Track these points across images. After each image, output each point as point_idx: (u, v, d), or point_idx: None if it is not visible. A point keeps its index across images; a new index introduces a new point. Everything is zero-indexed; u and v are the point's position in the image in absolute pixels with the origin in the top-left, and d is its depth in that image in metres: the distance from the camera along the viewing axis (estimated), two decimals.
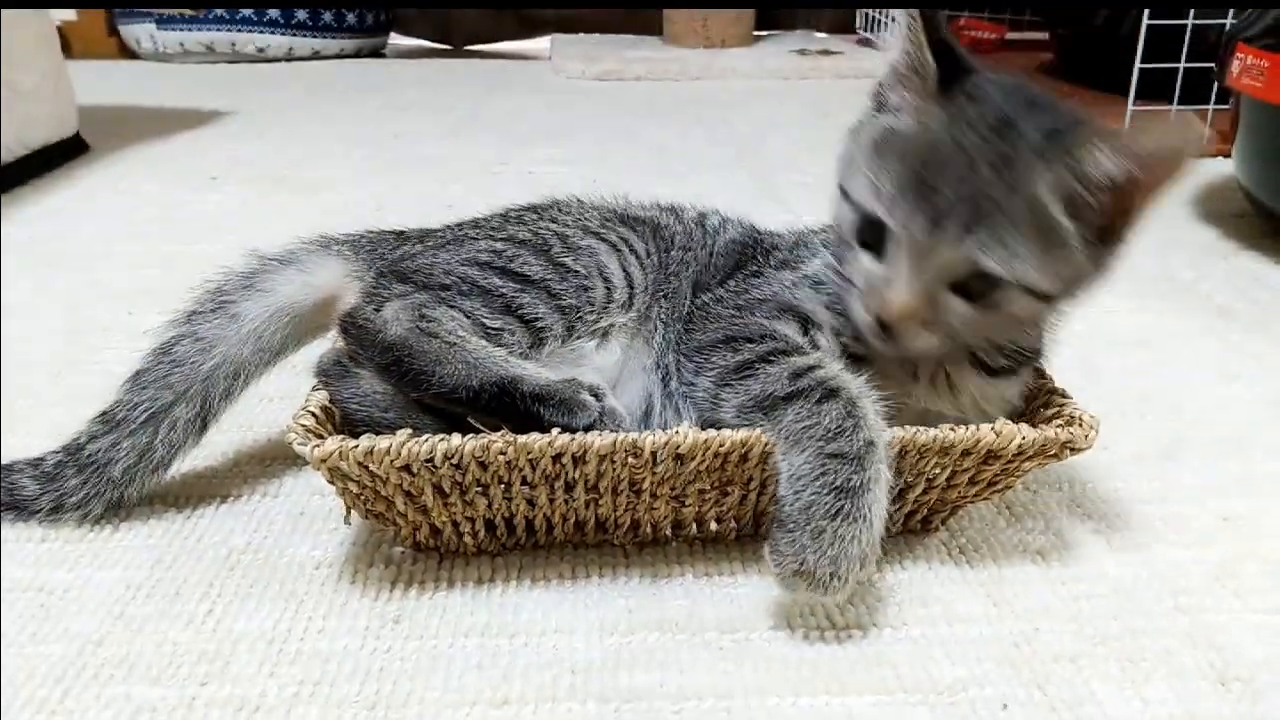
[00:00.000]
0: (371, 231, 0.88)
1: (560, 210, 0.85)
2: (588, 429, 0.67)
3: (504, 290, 0.75)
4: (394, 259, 0.82)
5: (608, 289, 0.77)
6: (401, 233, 0.87)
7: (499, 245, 0.79)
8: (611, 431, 0.66)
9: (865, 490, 0.63)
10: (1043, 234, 0.63)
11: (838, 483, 0.62)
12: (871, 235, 0.67)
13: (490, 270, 0.76)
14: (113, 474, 0.74)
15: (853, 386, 0.67)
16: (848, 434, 0.64)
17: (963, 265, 0.63)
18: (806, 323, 0.74)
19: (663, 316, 0.81)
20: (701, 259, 0.85)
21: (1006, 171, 0.62)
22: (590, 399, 0.68)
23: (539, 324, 0.74)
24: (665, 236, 0.85)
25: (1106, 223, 0.64)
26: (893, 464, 0.66)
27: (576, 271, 0.77)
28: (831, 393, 0.66)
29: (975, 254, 0.62)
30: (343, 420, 0.72)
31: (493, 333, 0.73)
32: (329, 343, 0.80)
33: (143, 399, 0.76)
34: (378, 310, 0.73)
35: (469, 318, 0.73)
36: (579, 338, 0.76)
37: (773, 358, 0.69)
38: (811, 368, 0.68)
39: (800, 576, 0.62)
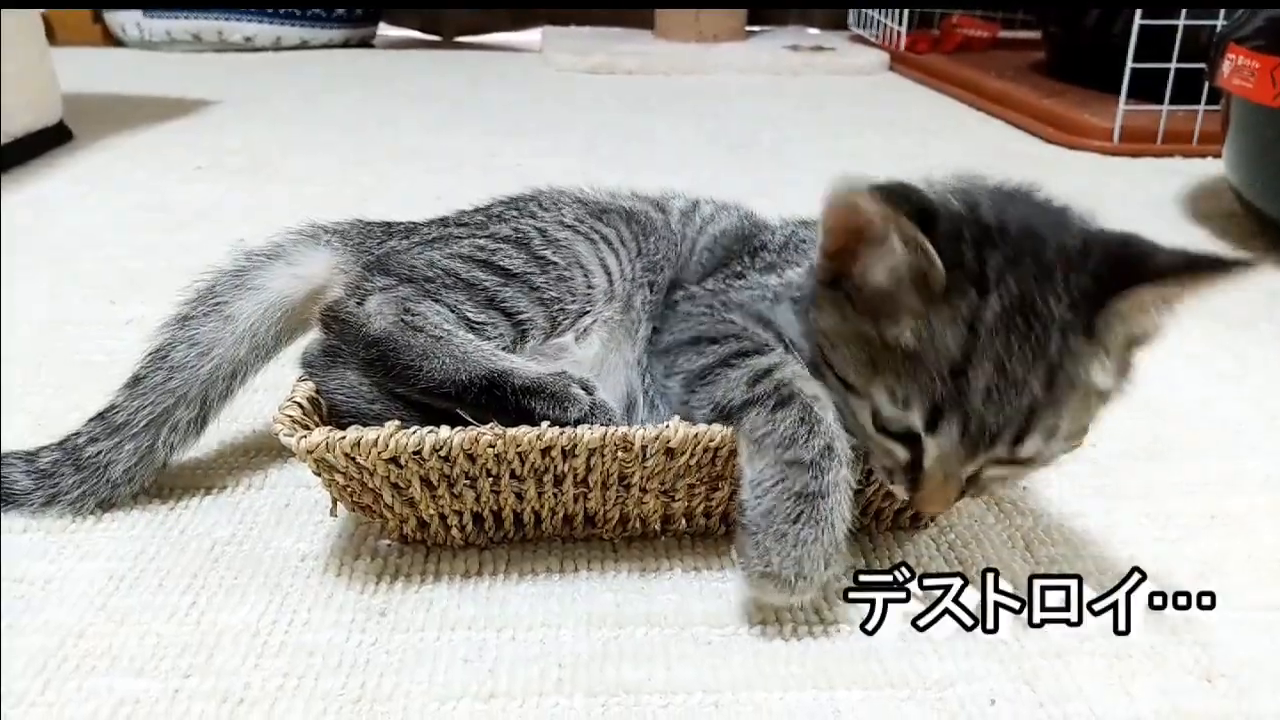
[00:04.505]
0: (360, 221, 0.87)
1: (539, 205, 0.85)
2: (578, 422, 0.66)
3: (487, 284, 0.74)
4: (379, 254, 0.81)
5: (586, 279, 0.77)
6: (389, 224, 0.87)
7: (481, 240, 0.78)
8: (602, 425, 0.66)
9: (824, 495, 0.62)
10: (1086, 397, 0.61)
11: (796, 489, 0.62)
12: (896, 426, 0.62)
13: (473, 264, 0.76)
14: (113, 475, 0.75)
15: (809, 389, 0.66)
16: (803, 440, 0.63)
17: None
18: (782, 341, 0.73)
19: (647, 308, 0.80)
20: (684, 252, 0.85)
21: (1056, 373, 0.58)
22: (581, 392, 0.68)
23: (522, 317, 0.74)
24: (640, 223, 0.84)
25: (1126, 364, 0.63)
26: (856, 463, 0.65)
27: (555, 264, 0.76)
28: (787, 398, 0.65)
29: (1026, 453, 0.60)
30: (329, 411, 0.71)
31: (477, 327, 0.73)
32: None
33: (144, 404, 0.75)
34: (360, 304, 0.72)
35: (453, 312, 0.73)
36: (561, 332, 0.76)
37: (734, 361, 0.68)
38: (769, 370, 0.67)
39: (767, 578, 0.62)
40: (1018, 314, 0.58)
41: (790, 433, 0.63)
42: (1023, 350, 0.58)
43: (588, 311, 0.77)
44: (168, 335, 0.78)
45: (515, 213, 0.84)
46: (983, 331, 0.58)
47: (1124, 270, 0.59)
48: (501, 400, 0.67)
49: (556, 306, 0.75)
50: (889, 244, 0.59)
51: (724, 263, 0.82)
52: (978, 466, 0.62)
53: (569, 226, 0.80)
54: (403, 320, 0.70)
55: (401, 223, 0.87)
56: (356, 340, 0.70)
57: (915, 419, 0.60)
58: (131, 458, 0.75)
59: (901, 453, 0.63)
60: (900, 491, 0.65)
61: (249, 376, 0.80)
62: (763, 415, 0.64)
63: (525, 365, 0.70)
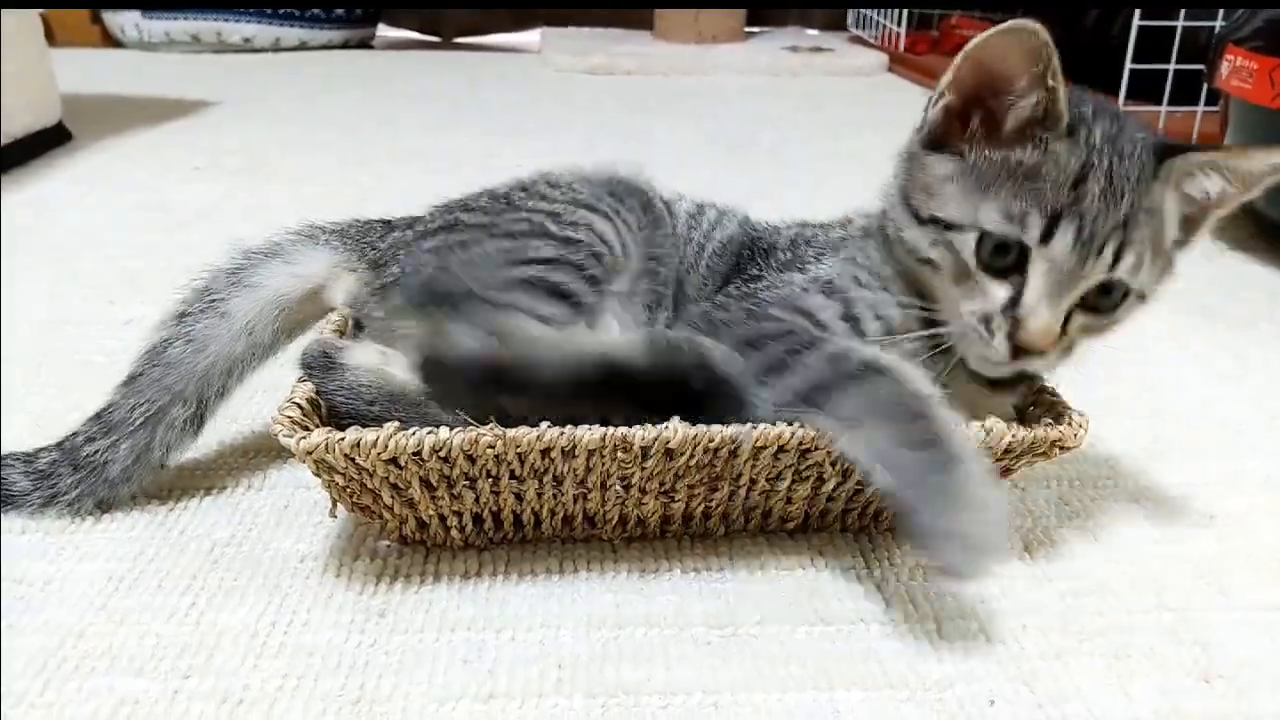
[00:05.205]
0: (359, 221, 0.87)
1: (549, 185, 0.84)
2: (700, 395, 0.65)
3: (542, 279, 0.74)
4: (384, 249, 0.81)
5: (611, 253, 0.77)
6: (389, 221, 0.86)
7: (506, 244, 0.77)
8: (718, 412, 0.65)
9: (947, 439, 0.63)
10: (1160, 247, 0.68)
11: (920, 439, 0.62)
12: (999, 259, 0.67)
13: (516, 269, 0.74)
14: (110, 474, 0.75)
15: (887, 357, 0.67)
16: (908, 402, 0.64)
17: (1099, 283, 0.67)
18: (820, 328, 0.73)
19: (645, 300, 0.80)
20: (690, 255, 0.84)
21: (1145, 197, 0.66)
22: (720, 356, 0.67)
23: (581, 299, 0.74)
24: (655, 212, 0.84)
25: (1189, 228, 0.71)
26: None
27: (580, 242, 0.76)
28: (876, 370, 0.66)
29: (1122, 276, 0.66)
30: (329, 413, 0.71)
31: (554, 322, 0.72)
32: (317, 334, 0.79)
33: (140, 401, 0.75)
34: (444, 341, 0.70)
35: (531, 316, 0.72)
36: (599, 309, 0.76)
37: (802, 349, 0.69)
38: (848, 350, 0.68)
39: (954, 538, 0.61)
40: (1113, 143, 0.67)
41: (894, 397, 0.64)
42: (1121, 170, 0.66)
43: (610, 285, 0.77)
44: (165, 332, 0.78)
45: (523, 194, 0.83)
46: (1094, 153, 0.66)
47: (1175, 146, 0.69)
48: (618, 381, 0.66)
49: (598, 284, 0.75)
50: (1034, 81, 0.66)
51: (735, 269, 0.82)
52: (1076, 299, 0.67)
53: (585, 205, 0.80)
54: (493, 335, 0.69)
55: (401, 219, 0.87)
56: (464, 370, 0.68)
57: (1032, 230, 0.65)
58: (129, 456, 0.75)
59: (1002, 292, 0.67)
60: (1000, 340, 0.67)
61: (246, 375, 0.80)
62: (861, 388, 0.65)
63: (624, 341, 0.69)
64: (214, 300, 0.79)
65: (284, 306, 0.79)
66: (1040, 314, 0.66)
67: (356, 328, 0.80)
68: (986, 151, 0.68)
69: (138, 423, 0.75)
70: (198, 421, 0.78)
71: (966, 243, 0.67)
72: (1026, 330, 0.66)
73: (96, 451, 0.74)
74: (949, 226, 0.68)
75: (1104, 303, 0.68)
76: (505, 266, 0.75)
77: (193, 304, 0.79)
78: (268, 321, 0.79)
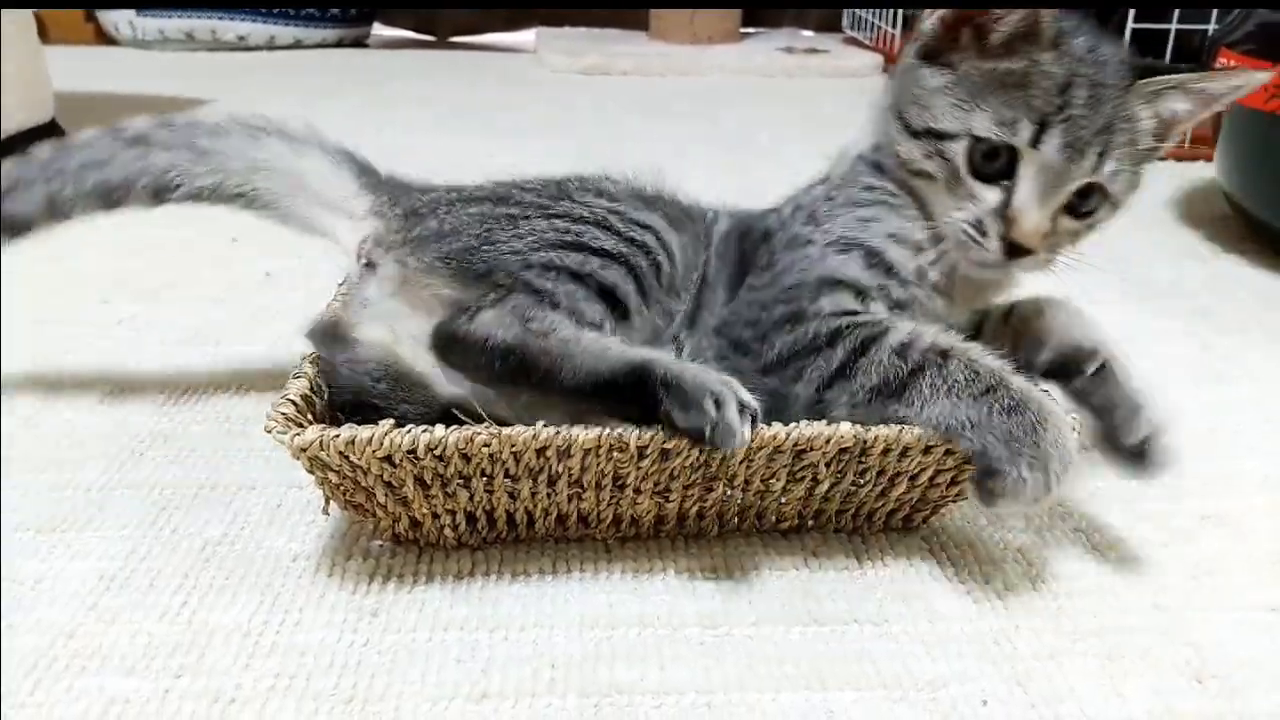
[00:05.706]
0: (394, 176, 0.86)
1: (611, 181, 0.84)
2: (696, 434, 0.63)
3: (591, 275, 0.73)
4: (424, 200, 0.79)
5: (671, 265, 0.77)
6: (425, 187, 0.84)
7: (561, 225, 0.75)
8: (717, 446, 0.63)
9: (1027, 400, 0.65)
10: (1135, 156, 0.72)
11: (1005, 405, 0.65)
12: (991, 165, 0.71)
13: (568, 255, 0.73)
14: (64, 166, 0.84)
15: (945, 339, 0.69)
16: (983, 374, 0.67)
17: (1082, 186, 0.71)
18: (857, 292, 0.73)
19: (670, 308, 0.79)
20: (697, 258, 0.83)
21: (1122, 105, 0.70)
22: (710, 406, 0.63)
23: (627, 307, 0.74)
24: (695, 223, 0.83)
25: (1156, 143, 0.75)
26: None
27: (644, 246, 0.75)
28: (944, 353, 0.68)
29: (1102, 180, 0.70)
30: (328, 385, 0.71)
31: (593, 325, 0.71)
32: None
33: (132, 130, 0.83)
34: (471, 320, 0.69)
35: (571, 314, 0.70)
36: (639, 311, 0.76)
37: (866, 347, 0.69)
38: (910, 339, 0.69)
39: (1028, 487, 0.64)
40: (1093, 54, 0.71)
41: (968, 375, 0.67)
42: (1102, 79, 0.70)
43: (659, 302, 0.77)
44: (202, 117, 0.84)
45: (577, 183, 0.82)
46: (1078, 63, 0.70)
47: (1146, 67, 0.73)
48: (645, 390, 0.64)
49: (651, 295, 0.75)
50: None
51: (741, 261, 0.81)
52: (1062, 201, 0.71)
53: (649, 203, 0.80)
54: (527, 328, 0.68)
55: (442, 185, 0.84)
56: (486, 354, 0.67)
57: (1023, 133, 0.69)
58: (83, 159, 0.84)
59: (993, 196, 0.71)
60: (993, 241, 0.71)
61: (222, 194, 0.86)
62: (937, 375, 0.67)
63: (662, 355, 0.68)
64: (259, 128, 0.83)
65: (295, 190, 0.82)
66: (1031, 213, 0.70)
67: (367, 268, 0.78)
68: (976, 63, 0.72)
69: (124, 140, 0.83)
70: (158, 193, 0.86)
71: (958, 150, 0.71)
72: (1020, 228, 0.70)
73: (40, 150, 0.83)
74: (941, 136, 0.72)
75: (1084, 206, 0.72)
76: (555, 249, 0.73)
77: (236, 119, 0.84)
78: (272, 178, 0.82)
